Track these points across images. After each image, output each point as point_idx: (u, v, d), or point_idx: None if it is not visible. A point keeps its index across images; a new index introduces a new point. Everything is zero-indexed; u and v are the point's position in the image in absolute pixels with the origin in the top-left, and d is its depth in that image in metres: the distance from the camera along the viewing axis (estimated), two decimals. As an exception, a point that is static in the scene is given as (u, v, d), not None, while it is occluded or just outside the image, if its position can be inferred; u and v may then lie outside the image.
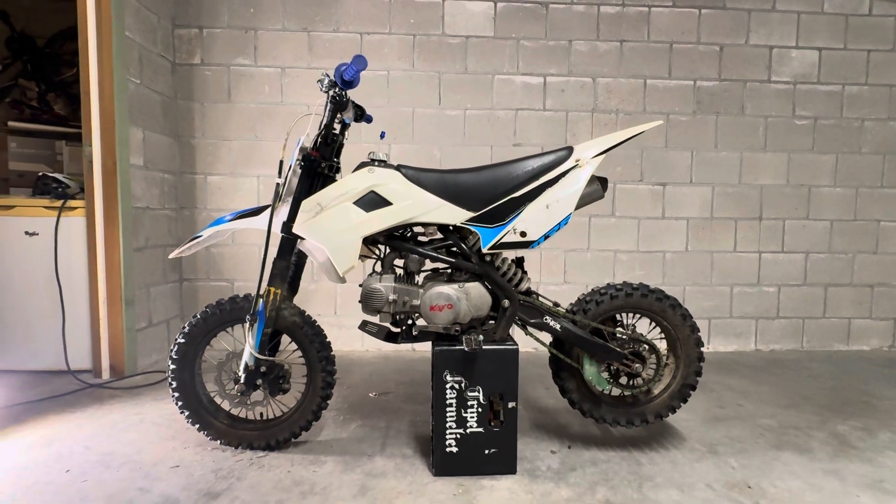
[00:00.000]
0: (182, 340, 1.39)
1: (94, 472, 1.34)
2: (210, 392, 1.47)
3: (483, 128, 2.58)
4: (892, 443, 1.58)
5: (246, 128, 2.53)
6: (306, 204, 1.29)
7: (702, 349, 1.39)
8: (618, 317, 1.47)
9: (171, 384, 1.39)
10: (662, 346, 1.47)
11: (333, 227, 1.27)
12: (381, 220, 1.28)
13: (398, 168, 1.33)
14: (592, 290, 1.43)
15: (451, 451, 1.32)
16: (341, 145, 1.40)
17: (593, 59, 2.58)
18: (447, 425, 1.32)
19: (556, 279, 2.65)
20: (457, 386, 1.31)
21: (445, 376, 1.31)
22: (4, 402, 1.81)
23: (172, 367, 1.39)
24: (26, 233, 2.10)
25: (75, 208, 2.10)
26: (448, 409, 1.31)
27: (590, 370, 1.39)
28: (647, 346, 1.39)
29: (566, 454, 1.47)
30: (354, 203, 1.28)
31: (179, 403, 1.40)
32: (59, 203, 2.08)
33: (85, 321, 2.13)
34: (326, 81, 1.25)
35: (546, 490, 1.27)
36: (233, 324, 1.41)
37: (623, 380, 1.45)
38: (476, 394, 1.32)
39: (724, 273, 2.69)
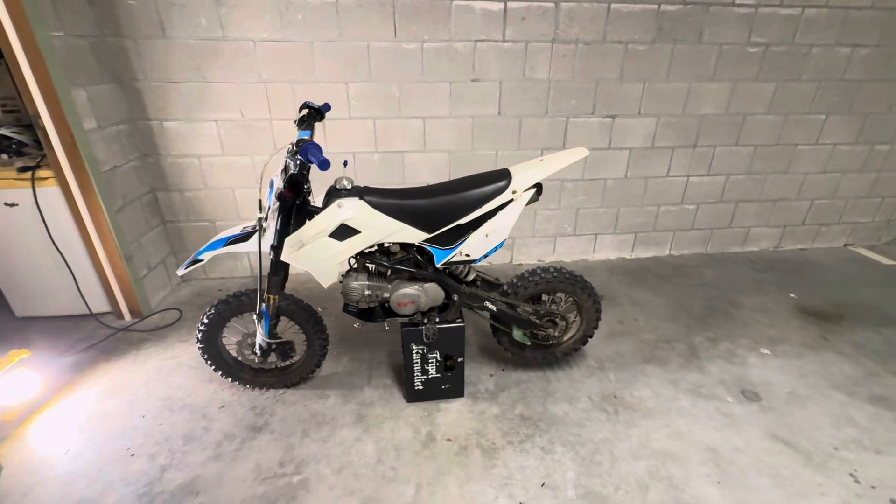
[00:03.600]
0: (204, 329, 1.78)
1: (164, 415, 1.87)
2: (234, 354, 1.93)
3: (441, 62, 2.53)
4: (726, 352, 2.27)
5: (190, 67, 2.39)
6: (290, 240, 1.53)
7: (599, 313, 1.89)
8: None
9: (203, 356, 1.83)
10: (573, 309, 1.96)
11: (315, 257, 1.56)
12: (353, 247, 1.57)
13: (362, 196, 1.55)
14: (523, 274, 1.84)
15: (418, 388, 1.90)
16: (309, 172, 1.56)
17: (558, -19, 2.41)
18: (415, 374, 1.86)
19: (509, 206, 2.98)
20: (421, 351, 1.81)
21: (412, 346, 1.79)
22: (55, 351, 2.23)
23: (200, 345, 1.81)
24: (6, 204, 2.20)
25: (46, 178, 2.16)
26: (415, 365, 1.84)
27: (517, 333, 1.90)
28: (558, 317, 1.89)
29: (500, 376, 2.09)
30: (330, 236, 1.53)
31: (213, 366, 1.87)
32: (28, 175, 2.14)
33: (92, 273, 2.40)
34: (294, 166, 1.41)
35: (482, 409, 1.91)
36: (241, 314, 1.79)
37: (540, 336, 1.98)
38: (434, 355, 1.83)
39: (655, 195, 3.08)
